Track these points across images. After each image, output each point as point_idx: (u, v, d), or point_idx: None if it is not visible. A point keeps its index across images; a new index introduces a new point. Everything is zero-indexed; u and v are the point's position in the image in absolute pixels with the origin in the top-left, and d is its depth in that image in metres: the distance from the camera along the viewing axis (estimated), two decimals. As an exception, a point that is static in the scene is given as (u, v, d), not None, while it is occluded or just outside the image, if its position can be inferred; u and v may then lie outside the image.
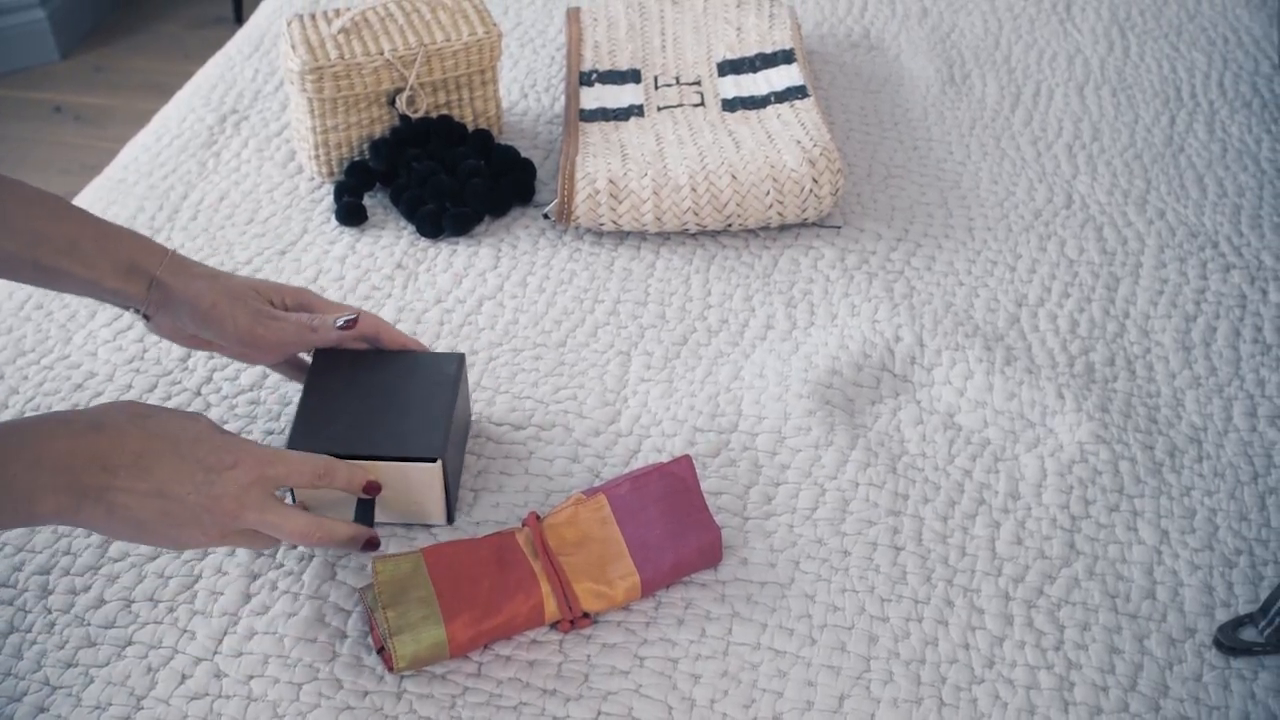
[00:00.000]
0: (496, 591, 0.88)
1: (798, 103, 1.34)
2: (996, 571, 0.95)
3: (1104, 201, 1.32)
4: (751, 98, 1.37)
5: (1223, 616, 0.93)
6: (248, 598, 0.93)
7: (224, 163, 1.38)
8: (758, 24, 1.47)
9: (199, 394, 1.10)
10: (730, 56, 1.44)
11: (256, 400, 1.09)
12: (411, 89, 1.31)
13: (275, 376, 1.11)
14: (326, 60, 1.27)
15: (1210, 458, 1.04)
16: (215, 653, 0.89)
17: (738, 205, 1.23)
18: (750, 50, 1.44)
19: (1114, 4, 1.66)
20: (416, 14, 1.34)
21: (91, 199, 1.34)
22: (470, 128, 1.37)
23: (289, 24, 1.32)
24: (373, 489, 0.92)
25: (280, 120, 1.44)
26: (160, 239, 1.28)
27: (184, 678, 0.88)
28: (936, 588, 0.94)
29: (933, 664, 0.89)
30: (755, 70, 1.41)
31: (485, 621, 0.88)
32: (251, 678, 0.88)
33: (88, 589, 0.94)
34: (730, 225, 1.25)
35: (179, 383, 1.11)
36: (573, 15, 1.52)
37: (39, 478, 0.80)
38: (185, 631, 0.91)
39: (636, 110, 1.37)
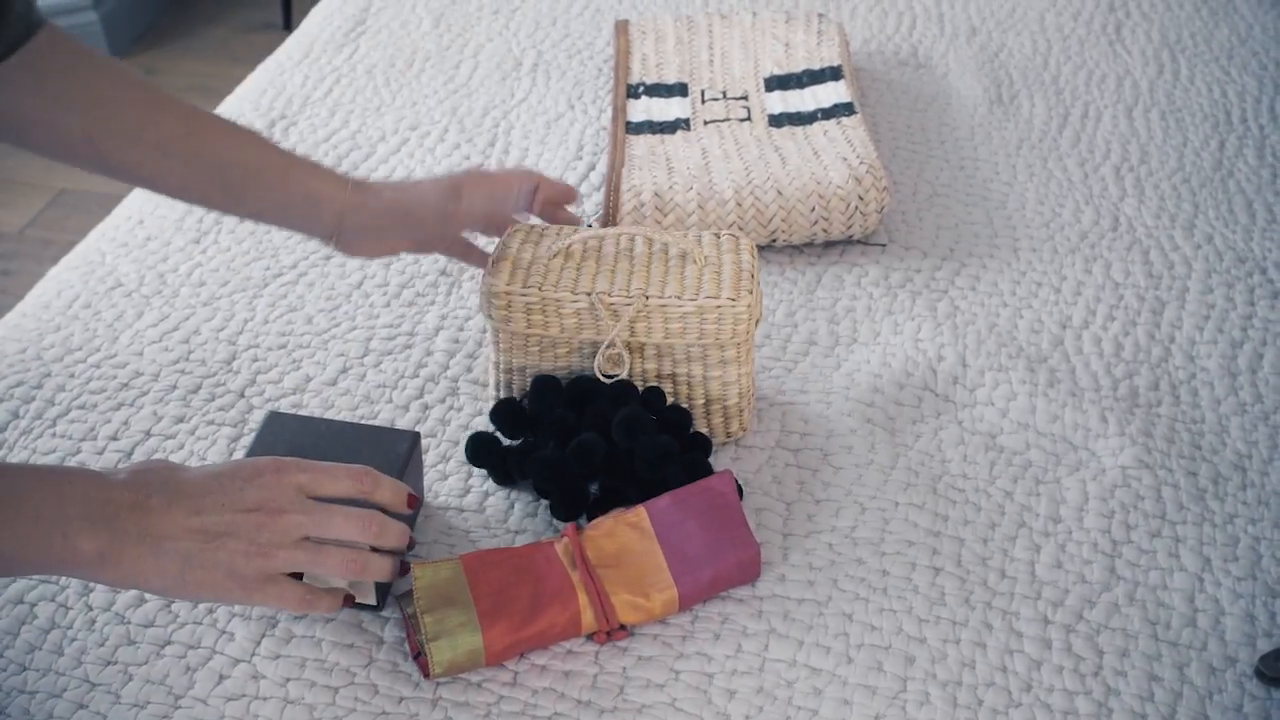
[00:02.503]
0: (534, 601, 0.89)
1: (845, 120, 1.34)
2: (1036, 595, 0.95)
3: (1151, 225, 1.31)
4: (798, 114, 1.37)
5: (1265, 646, 0.92)
6: (286, 600, 0.93)
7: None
8: (806, 40, 1.47)
9: (243, 395, 1.10)
10: (778, 72, 1.44)
11: (299, 404, 1.10)
12: (613, 345, 1.02)
13: (317, 380, 1.12)
14: (519, 285, 1.02)
15: (1254, 485, 1.04)
16: (253, 655, 0.90)
17: (783, 220, 1.23)
18: (798, 66, 1.44)
19: (1164, 26, 1.65)
20: (661, 255, 1.04)
21: (140, 201, 1.36)
22: (701, 413, 1.05)
23: (510, 232, 1.07)
24: (414, 503, 0.91)
25: (328, 126, 1.45)
26: (207, 241, 1.29)
27: (222, 678, 0.89)
28: (975, 610, 0.93)
29: (970, 686, 0.89)
30: (803, 86, 1.41)
31: (522, 630, 0.88)
32: (289, 680, 0.88)
33: (129, 587, 0.95)
34: (775, 240, 1.25)
35: (223, 384, 1.11)
36: (621, 27, 1.53)
37: (68, 510, 0.78)
38: (224, 633, 0.91)
39: (683, 124, 1.37)
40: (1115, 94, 1.52)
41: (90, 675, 0.89)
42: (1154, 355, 1.16)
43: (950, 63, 1.58)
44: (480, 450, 1.03)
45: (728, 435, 1.06)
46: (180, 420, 1.08)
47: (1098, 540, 0.99)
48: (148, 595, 0.94)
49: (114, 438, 1.06)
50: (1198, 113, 1.49)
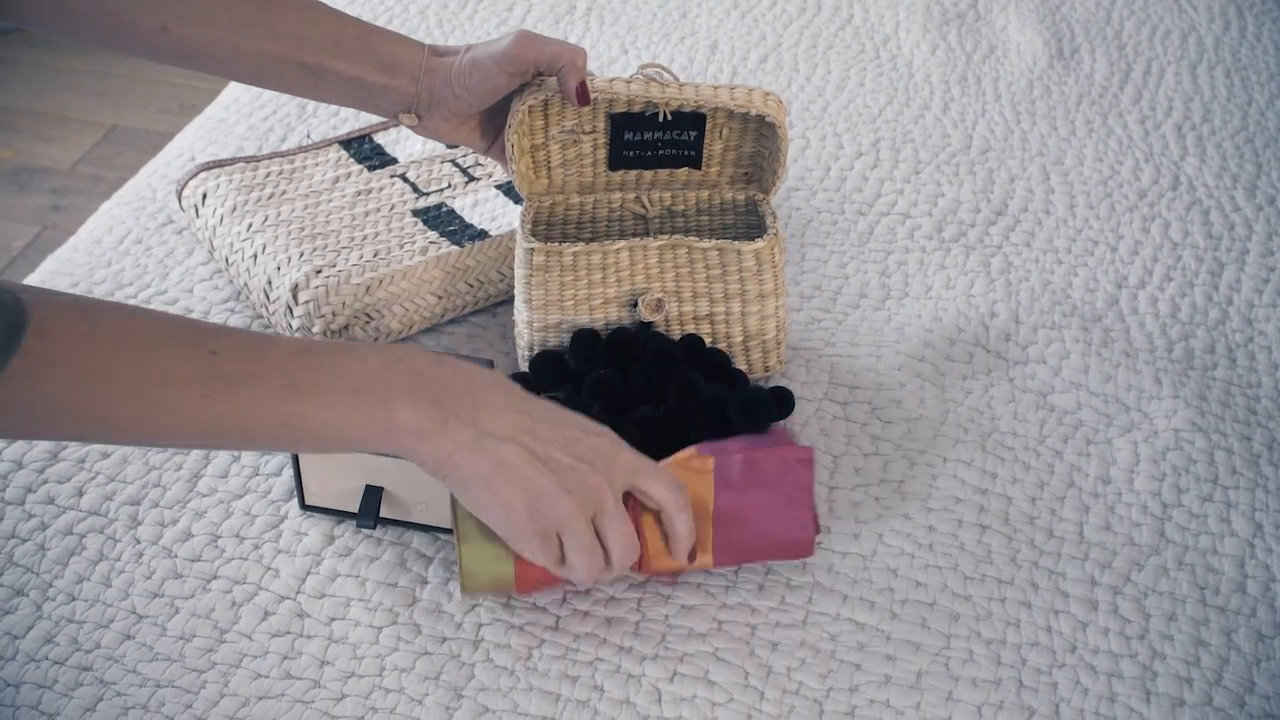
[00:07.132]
0: None
1: None
2: (1083, 556, 0.94)
3: (1212, 184, 1.29)
4: None
5: (1315, 614, 0.91)
6: (331, 539, 0.94)
7: (324, 105, 1.39)
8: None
9: (292, 335, 1.11)
10: None
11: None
12: (651, 293, 1.04)
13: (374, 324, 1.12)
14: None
15: (1310, 452, 1.02)
16: (298, 592, 0.90)
17: None
18: None
19: (1232, -18, 1.61)
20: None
21: (192, 138, 1.36)
22: (739, 350, 1.06)
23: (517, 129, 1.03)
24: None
25: (380, 66, 1.44)
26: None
27: (267, 614, 0.89)
28: (1021, 569, 0.93)
29: (1014, 645, 0.88)
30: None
31: None
32: (333, 620, 0.89)
33: (175, 522, 0.95)
34: None
35: (271, 327, 1.12)
36: None
37: (394, 384, 0.75)
38: (269, 569, 0.92)
39: None
40: (1179, 50, 1.49)
41: (137, 607, 0.90)
42: (1211, 317, 1.14)
43: (1010, 15, 1.55)
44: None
45: (766, 370, 1.06)
46: (229, 357, 1.08)
47: (1148, 503, 0.97)
48: (193, 530, 0.94)
49: (163, 373, 1.07)
50: (1263, 71, 1.46)
